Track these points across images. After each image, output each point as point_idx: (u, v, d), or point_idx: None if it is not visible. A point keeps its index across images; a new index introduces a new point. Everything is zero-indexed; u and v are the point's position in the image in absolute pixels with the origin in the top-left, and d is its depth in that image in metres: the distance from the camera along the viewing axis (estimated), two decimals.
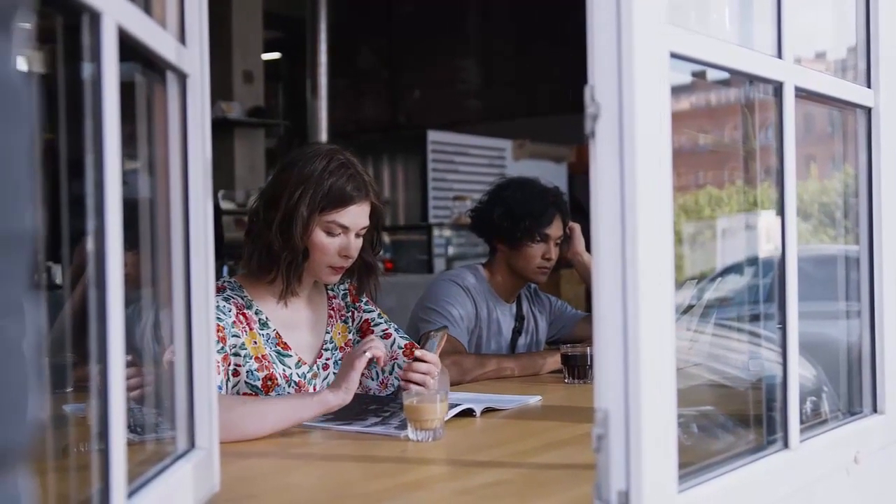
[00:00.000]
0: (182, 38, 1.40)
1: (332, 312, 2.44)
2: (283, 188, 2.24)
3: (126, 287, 1.09)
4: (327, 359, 2.39)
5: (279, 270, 2.26)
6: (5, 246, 0.61)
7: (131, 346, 1.12)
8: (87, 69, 1.05)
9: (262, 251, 2.26)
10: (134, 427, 1.35)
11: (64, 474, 1.22)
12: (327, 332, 2.41)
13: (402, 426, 1.98)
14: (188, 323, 1.43)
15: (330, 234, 2.25)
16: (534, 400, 2.43)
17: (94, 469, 1.06)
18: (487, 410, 2.27)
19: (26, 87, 0.64)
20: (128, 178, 1.20)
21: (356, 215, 2.26)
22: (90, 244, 1.04)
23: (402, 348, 2.41)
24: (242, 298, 2.28)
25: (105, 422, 1.05)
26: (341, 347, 2.42)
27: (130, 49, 1.16)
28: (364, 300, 2.49)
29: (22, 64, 0.64)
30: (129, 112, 1.22)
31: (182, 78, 1.40)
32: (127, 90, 1.12)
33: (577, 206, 4.61)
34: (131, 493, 1.13)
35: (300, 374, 2.31)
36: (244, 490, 1.60)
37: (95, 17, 1.03)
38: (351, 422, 2.08)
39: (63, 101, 1.13)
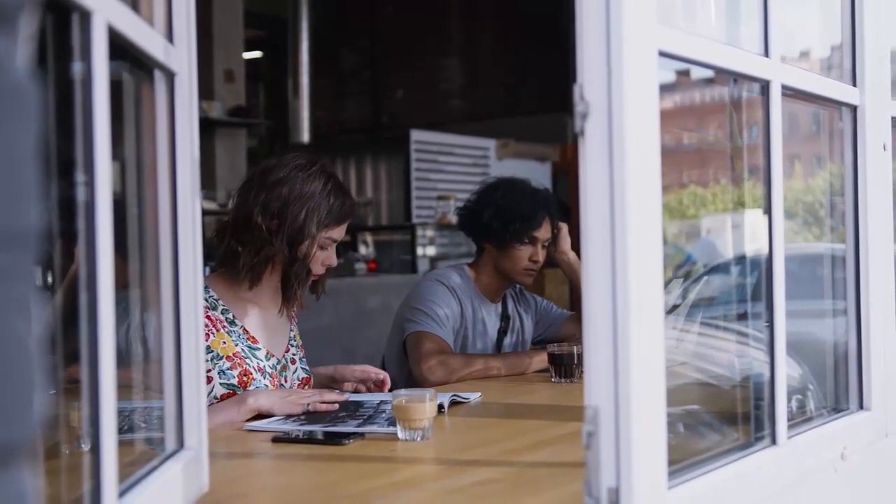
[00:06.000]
0: (170, 37, 1.40)
1: (292, 314, 2.56)
2: (283, 204, 2.32)
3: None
4: (293, 354, 2.51)
5: (285, 282, 2.38)
6: (13, 243, 0.61)
7: (117, 347, 1.11)
8: (76, 68, 1.05)
9: (263, 262, 2.34)
10: (120, 427, 1.35)
11: (53, 475, 1.21)
12: (291, 330, 2.54)
13: (392, 423, 1.97)
14: (176, 323, 1.42)
15: (322, 248, 2.39)
16: (474, 397, 2.45)
17: (85, 469, 1.06)
18: (454, 403, 2.32)
19: (31, 86, 0.64)
20: (114, 178, 1.20)
21: (344, 229, 2.45)
22: (81, 246, 1.04)
23: (299, 380, 2.52)
24: (207, 300, 2.31)
25: (96, 422, 1.04)
26: (301, 346, 2.56)
27: (118, 47, 1.15)
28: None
29: (26, 62, 0.64)
30: (116, 111, 1.22)
31: (170, 77, 1.40)
32: (113, 89, 1.11)
33: (561, 206, 4.60)
34: (122, 493, 1.13)
35: (271, 365, 2.40)
36: (233, 490, 1.60)
37: (86, 16, 1.02)
38: (335, 424, 2.07)
39: (50, 99, 1.13)
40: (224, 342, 2.32)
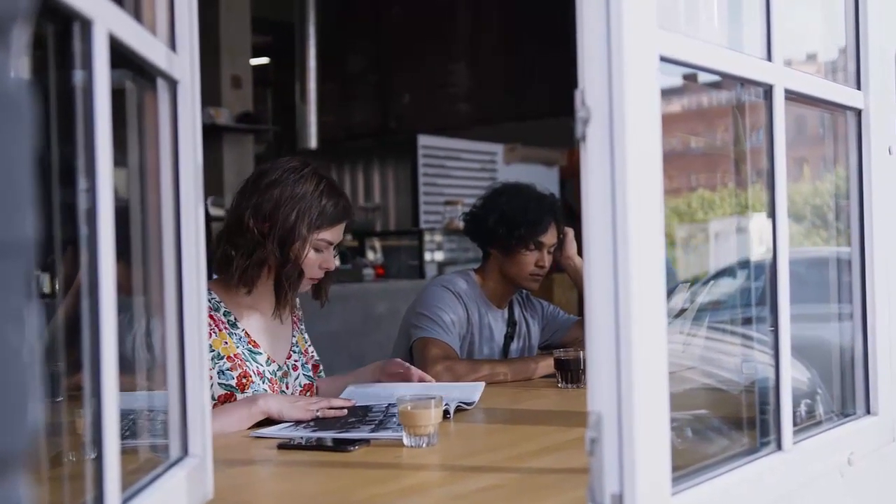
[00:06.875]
0: (172, 45, 1.40)
1: (294, 319, 2.57)
2: (274, 205, 2.33)
3: (117, 295, 1.08)
4: (295, 360, 2.51)
5: (277, 284, 2.38)
6: (7, 253, 0.61)
7: (123, 355, 1.11)
8: (77, 76, 1.05)
9: (256, 265, 2.34)
10: (124, 433, 1.35)
11: (58, 483, 1.21)
12: (293, 336, 2.53)
13: (401, 428, 1.97)
14: (180, 331, 1.42)
15: (317, 250, 2.38)
16: (478, 391, 2.46)
17: (88, 477, 1.06)
18: (458, 409, 2.31)
19: (26, 96, 0.64)
20: (118, 186, 1.20)
21: (341, 232, 2.43)
22: (83, 253, 1.04)
23: (301, 387, 2.52)
24: (210, 301, 2.32)
25: (98, 430, 1.05)
26: (304, 352, 2.56)
27: (121, 56, 1.15)
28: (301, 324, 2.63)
29: (22, 72, 0.64)
30: (120, 119, 1.22)
31: (172, 84, 1.40)
32: (117, 97, 1.11)
33: (569, 211, 4.61)
34: (125, 501, 1.13)
35: (271, 371, 2.40)
36: (237, 497, 1.60)
37: (87, 25, 1.03)
38: (347, 430, 2.07)
39: (53, 107, 1.13)
40: (226, 342, 2.32)
